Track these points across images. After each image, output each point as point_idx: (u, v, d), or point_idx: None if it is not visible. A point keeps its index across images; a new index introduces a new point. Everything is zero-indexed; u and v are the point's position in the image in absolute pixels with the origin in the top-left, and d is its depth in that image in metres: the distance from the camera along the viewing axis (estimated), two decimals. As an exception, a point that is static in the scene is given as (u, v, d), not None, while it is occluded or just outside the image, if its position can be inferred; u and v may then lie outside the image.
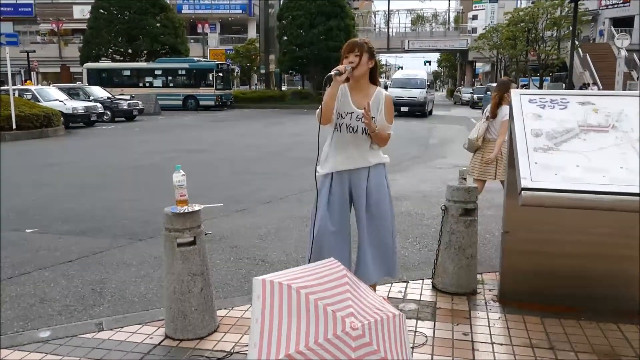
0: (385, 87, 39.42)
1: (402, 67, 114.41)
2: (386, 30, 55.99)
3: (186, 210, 2.92)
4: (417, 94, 25.06)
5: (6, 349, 3.03)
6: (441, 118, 25.88)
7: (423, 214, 6.52)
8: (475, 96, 35.89)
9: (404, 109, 24.49)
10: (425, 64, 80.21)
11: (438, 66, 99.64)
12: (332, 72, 2.87)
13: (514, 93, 3.50)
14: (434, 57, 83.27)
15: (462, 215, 3.70)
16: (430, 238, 5.45)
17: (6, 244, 5.27)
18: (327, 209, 3.06)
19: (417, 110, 25.17)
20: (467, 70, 61.00)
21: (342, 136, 3.03)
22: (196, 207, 2.96)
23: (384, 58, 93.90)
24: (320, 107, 2.94)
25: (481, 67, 63.41)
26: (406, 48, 54.55)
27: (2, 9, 46.96)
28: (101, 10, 35.64)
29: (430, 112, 26.70)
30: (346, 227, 3.12)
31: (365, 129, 2.99)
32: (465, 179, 3.77)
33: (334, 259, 2.62)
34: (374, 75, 3.09)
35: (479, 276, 3.95)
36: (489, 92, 28.80)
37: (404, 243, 5.33)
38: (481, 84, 50.12)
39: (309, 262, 2.88)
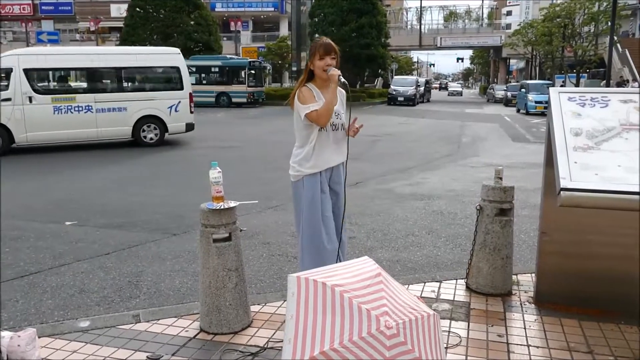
0: (424, 84, 40.22)
1: (433, 65, 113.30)
2: (418, 27, 55.43)
3: (222, 207, 2.95)
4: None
5: (47, 337, 3.12)
6: (474, 116, 25.52)
7: (455, 213, 6.45)
8: (509, 94, 35.21)
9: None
10: (457, 61, 79.06)
11: (471, 63, 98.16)
12: (342, 78, 3.13)
13: (552, 91, 3.41)
14: (467, 53, 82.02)
15: (498, 215, 3.64)
16: (463, 238, 5.38)
17: (46, 236, 5.43)
18: (321, 222, 3.19)
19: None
20: (500, 67, 59.96)
21: (328, 134, 3.20)
22: (232, 204, 2.99)
23: (415, 55, 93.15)
24: (314, 110, 3.10)
25: (515, 64, 62.20)
26: (438, 45, 53.89)
27: (44, 7, 48.27)
28: (137, 9, 36.29)
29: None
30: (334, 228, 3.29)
31: (343, 125, 3.26)
32: (501, 178, 3.70)
33: (367, 257, 2.62)
34: None
35: (514, 277, 3.89)
36: (523, 90, 28.26)
37: (437, 242, 5.29)
38: (515, 81, 49.13)
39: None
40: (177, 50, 13.63)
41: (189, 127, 13.27)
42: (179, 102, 12.84)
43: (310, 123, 3.16)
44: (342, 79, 3.11)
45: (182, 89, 12.87)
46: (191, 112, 13.20)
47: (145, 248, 5.08)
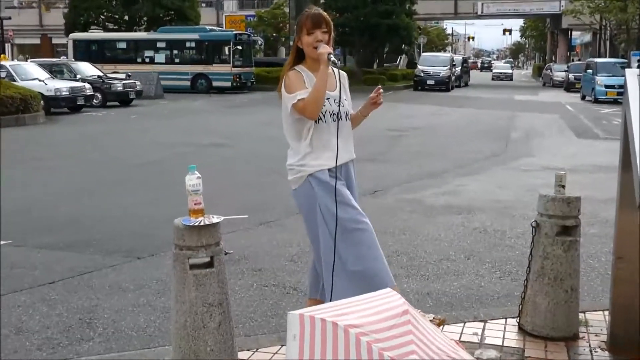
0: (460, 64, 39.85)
1: (473, 38, 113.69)
2: (453, -10, 55.53)
3: (202, 223, 2.93)
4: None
5: (-25, 393, 3.12)
6: (526, 104, 25.52)
7: (504, 231, 6.44)
8: (571, 75, 35.20)
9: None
10: (504, 33, 79.18)
11: (521, 36, 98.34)
12: (333, 57, 3.19)
13: (629, 73, 3.41)
14: (516, 24, 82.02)
15: (560, 234, 3.63)
16: (514, 264, 5.37)
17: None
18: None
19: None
20: (560, 41, 59.97)
21: (327, 126, 3.30)
22: (214, 219, 2.98)
23: (449, 26, 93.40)
24: (301, 99, 3.19)
25: (579, 37, 62.22)
26: (479, 13, 54.01)
27: (-29, -35, 48.68)
28: (92, -33, 36.54)
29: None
30: None
31: (347, 113, 3.37)
32: (563, 186, 3.69)
33: (390, 289, 2.61)
34: None
35: (581, 315, 3.86)
36: (589, 70, 28.22)
37: (479, 269, 5.28)
38: (579, 59, 49.03)
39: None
40: None
41: None
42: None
43: (300, 116, 3.23)
44: (332, 57, 3.19)
45: None
46: None
47: (101, 275, 5.07)
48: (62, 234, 6.25)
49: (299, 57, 3.36)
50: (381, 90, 3.38)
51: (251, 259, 5.47)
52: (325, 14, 3.34)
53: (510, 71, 58.09)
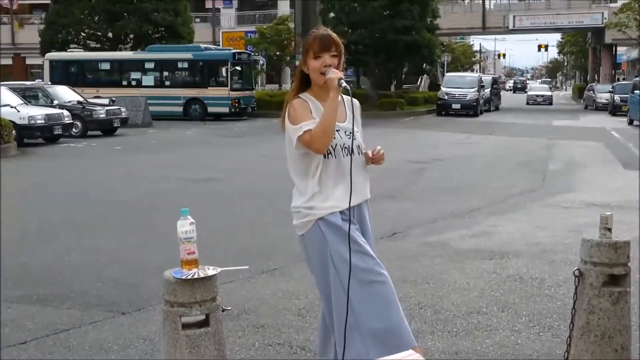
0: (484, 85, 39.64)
1: (504, 55, 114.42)
2: (481, 1, 56.02)
3: (196, 276, 2.94)
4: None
5: None
6: (566, 131, 25.52)
7: (542, 278, 6.40)
8: (617, 97, 35.26)
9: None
10: (539, 50, 79.56)
11: (559, 53, 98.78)
12: (343, 82, 3.25)
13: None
14: (553, 39, 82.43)
15: (607, 284, 3.62)
16: (555, 317, 5.33)
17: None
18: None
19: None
20: (603, 58, 60.19)
21: (338, 162, 3.35)
22: (210, 271, 2.98)
23: (477, 42, 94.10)
24: (307, 130, 3.22)
25: (625, 53, 62.49)
26: (510, 27, 54.41)
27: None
28: (71, -20, 37.10)
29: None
30: None
31: (359, 147, 3.43)
32: (610, 229, 3.68)
33: (412, 350, 2.60)
34: None
35: (633, 379, 3.82)
36: (637, 92, 28.24)
37: (515, 324, 5.24)
38: (624, 79, 49.11)
39: None
40: None
41: None
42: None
43: (306, 151, 3.26)
44: (344, 84, 3.24)
45: None
46: None
47: (80, 334, 5.06)
48: (34, 285, 6.23)
49: (305, 83, 3.41)
50: (381, 151, 3.46)
51: (252, 313, 5.44)
52: (335, 35, 3.39)
53: (549, 93, 56.25)
